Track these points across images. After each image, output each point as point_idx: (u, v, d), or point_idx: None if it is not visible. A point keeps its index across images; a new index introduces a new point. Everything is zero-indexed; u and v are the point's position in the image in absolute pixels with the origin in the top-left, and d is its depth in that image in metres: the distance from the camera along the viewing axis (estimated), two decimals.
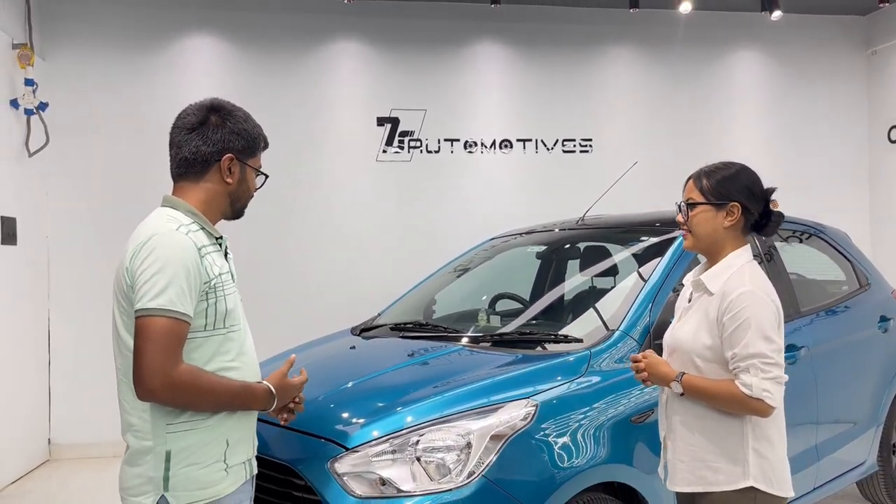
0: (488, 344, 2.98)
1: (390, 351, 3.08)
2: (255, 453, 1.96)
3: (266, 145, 2.03)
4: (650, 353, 2.18)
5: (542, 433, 2.38)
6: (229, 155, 1.89)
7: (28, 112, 5.11)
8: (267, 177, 2.04)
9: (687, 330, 2.12)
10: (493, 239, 4.20)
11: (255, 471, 1.95)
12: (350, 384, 2.69)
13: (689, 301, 2.20)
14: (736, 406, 2.00)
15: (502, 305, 3.99)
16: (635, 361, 2.19)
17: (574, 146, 6.28)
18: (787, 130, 6.64)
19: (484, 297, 4.00)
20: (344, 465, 2.28)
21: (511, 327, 3.20)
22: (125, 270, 1.76)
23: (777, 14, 6.03)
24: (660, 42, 6.43)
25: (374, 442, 2.32)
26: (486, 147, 6.17)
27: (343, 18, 5.96)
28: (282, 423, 2.04)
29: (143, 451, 1.75)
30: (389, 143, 6.02)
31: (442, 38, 6.10)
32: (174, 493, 1.73)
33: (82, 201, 5.61)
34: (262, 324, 5.47)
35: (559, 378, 2.56)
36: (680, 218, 2.18)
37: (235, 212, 2.00)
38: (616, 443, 2.51)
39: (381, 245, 5.97)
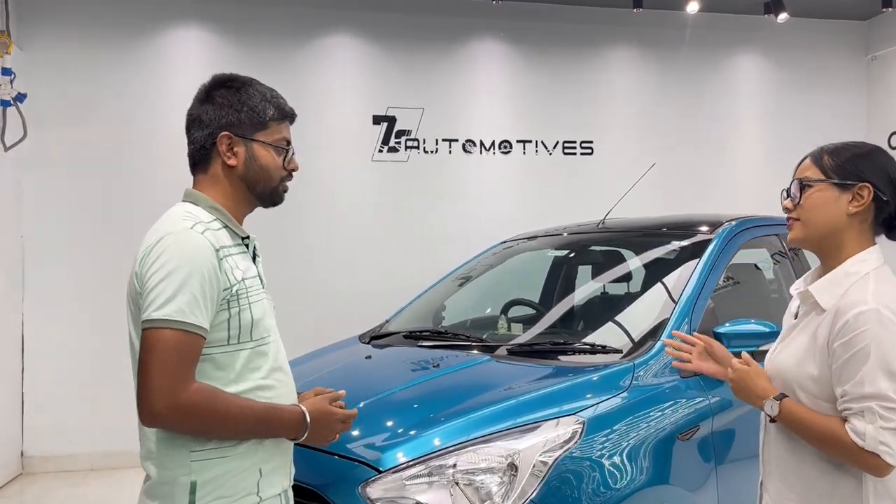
0: (519, 354, 2.77)
1: (410, 361, 2.85)
2: (292, 482, 1.72)
3: (283, 114, 1.71)
4: (748, 357, 1.78)
5: (590, 453, 2.18)
6: (224, 133, 1.63)
7: (4, 104, 4.79)
8: (289, 150, 1.73)
9: (790, 355, 1.71)
10: (503, 242, 4.00)
11: (291, 502, 1.71)
12: (375, 398, 2.46)
13: (796, 317, 1.77)
14: (843, 455, 1.58)
15: (517, 311, 3.80)
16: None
17: (575, 148, 6.12)
18: (787, 134, 6.54)
19: (494, 306, 3.80)
20: (376, 489, 2.06)
21: (540, 337, 3.00)
22: (135, 275, 1.54)
23: (783, 16, 5.94)
24: (663, 44, 6.30)
25: (408, 464, 2.10)
26: (485, 148, 5.98)
27: (337, 12, 5.72)
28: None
29: (165, 481, 1.52)
30: (385, 142, 5.80)
31: (441, 34, 5.90)
32: None
33: (61, 199, 5.30)
34: None
35: (604, 392, 2.37)
36: (787, 203, 1.74)
37: (261, 197, 1.71)
38: (665, 462, 2.32)
39: (376, 248, 5.74)
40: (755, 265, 3.55)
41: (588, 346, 2.71)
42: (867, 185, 1.66)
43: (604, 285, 3.40)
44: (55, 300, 5.27)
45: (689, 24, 6.23)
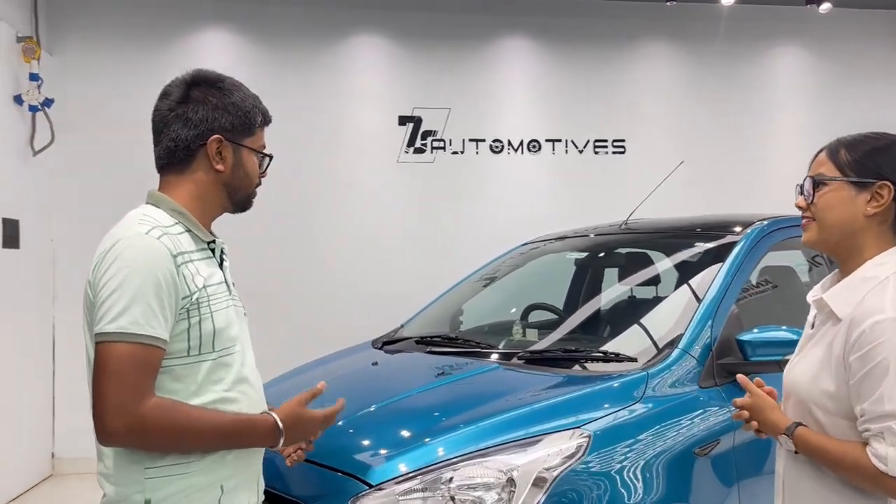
0: (529, 362, 2.65)
1: (417, 369, 2.76)
2: (261, 498, 1.64)
3: (267, 120, 1.68)
4: (748, 383, 1.67)
5: (596, 469, 2.05)
6: (216, 136, 1.56)
7: (33, 109, 4.85)
8: (271, 157, 1.69)
9: (804, 369, 1.56)
10: (525, 244, 3.87)
11: None
12: (373, 408, 2.36)
13: (813, 327, 1.63)
14: (866, 482, 1.43)
15: (536, 317, 3.67)
16: (737, 406, 1.68)
17: (606, 147, 5.94)
18: (828, 128, 6.16)
19: (513, 310, 3.67)
20: None
21: (552, 343, 2.87)
22: (88, 284, 1.46)
23: (826, 6, 5.67)
24: (697, 37, 6.08)
25: (401, 478, 2.00)
26: (513, 148, 5.84)
27: (364, 12, 5.67)
28: (288, 463, 1.68)
29: (119, 499, 1.45)
30: (411, 143, 5.72)
31: (467, 32, 5.79)
32: None
33: (90, 202, 5.34)
34: (274, 335, 5.26)
35: (614, 404, 2.23)
36: (801, 201, 1.61)
37: (237, 203, 1.66)
38: (679, 479, 2.18)
39: (402, 250, 5.66)
40: (790, 267, 3.36)
41: (601, 354, 2.56)
42: (887, 183, 1.50)
43: (624, 289, 3.25)
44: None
45: (724, 16, 6.00)
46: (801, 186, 1.62)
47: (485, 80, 5.80)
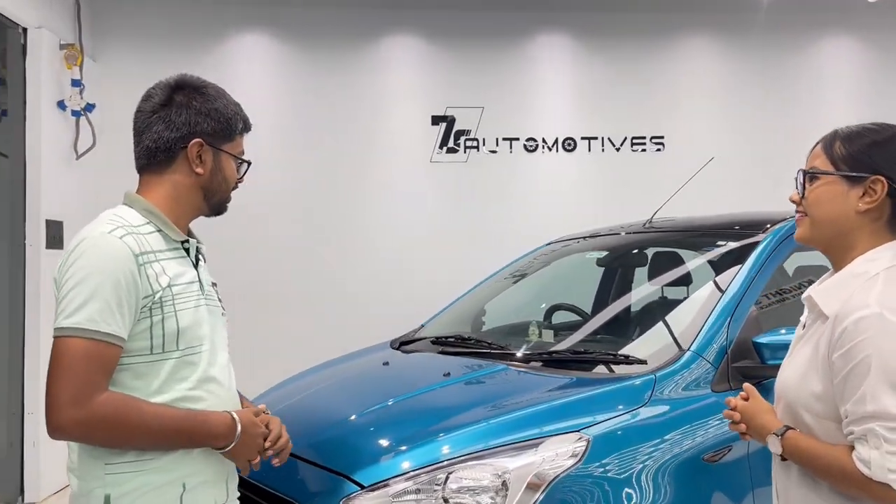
0: (538, 363, 2.60)
1: (425, 369, 2.73)
2: (232, 497, 1.65)
3: (246, 127, 1.71)
4: (750, 388, 1.59)
5: (594, 474, 1.99)
6: (197, 140, 1.59)
7: (75, 114, 5.01)
8: (249, 164, 1.72)
9: (793, 370, 1.49)
10: (549, 244, 3.81)
11: None
12: (373, 409, 2.35)
13: (804, 327, 1.56)
14: (852, 488, 1.36)
15: (559, 318, 3.61)
16: (730, 406, 1.62)
17: (644, 144, 5.81)
18: (879, 121, 5.97)
19: (533, 310, 3.62)
20: None
21: (564, 344, 2.81)
22: (54, 281, 1.49)
23: None
24: (738, 30, 5.88)
25: (395, 479, 1.98)
26: (547, 146, 5.76)
27: (396, 13, 5.67)
28: (242, 472, 1.65)
29: (82, 493, 1.47)
30: (444, 142, 5.69)
31: (501, 31, 5.74)
32: None
33: None
34: (305, 333, 5.33)
35: (618, 407, 2.17)
36: (794, 195, 1.56)
37: (213, 207, 1.68)
38: (685, 487, 2.10)
39: (435, 250, 5.63)
40: (827, 268, 3.22)
41: (610, 357, 2.49)
42: (881, 178, 1.42)
43: (643, 290, 3.17)
44: None
45: (765, 8, 5.79)
46: (796, 180, 1.55)
47: (518, 78, 5.74)
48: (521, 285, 3.63)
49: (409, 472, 1.98)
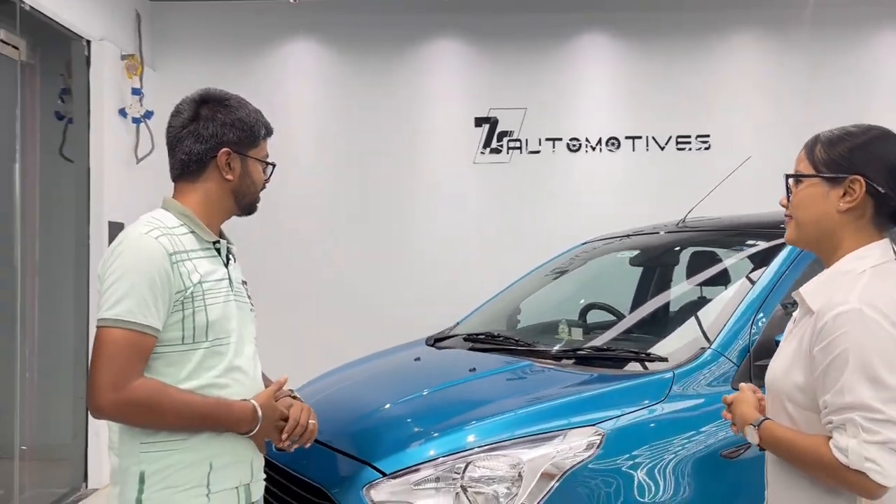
0: (562, 360, 2.66)
1: (453, 365, 2.83)
2: (257, 478, 1.77)
3: (269, 132, 1.85)
4: (746, 386, 1.66)
5: (608, 467, 2.05)
6: (225, 149, 1.73)
7: (135, 121, 5.28)
8: (274, 166, 1.86)
9: (779, 363, 1.54)
10: (584, 243, 3.86)
11: (256, 497, 1.77)
12: (399, 401, 2.47)
13: (795, 322, 1.62)
14: (829, 477, 1.40)
15: (593, 316, 3.65)
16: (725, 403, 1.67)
17: (689, 143, 5.77)
18: None
19: (575, 305, 3.67)
20: (381, 492, 2.06)
21: (589, 342, 2.86)
22: (98, 277, 1.64)
23: None
24: (785, 25, 5.77)
25: (415, 467, 2.08)
26: (590, 146, 5.78)
27: (439, 17, 5.78)
28: (279, 447, 1.80)
29: (121, 469, 1.63)
30: (487, 144, 5.77)
31: (543, 31, 5.79)
32: None
33: None
34: (352, 331, 5.49)
35: (635, 403, 2.22)
36: (783, 199, 1.61)
37: (244, 208, 1.83)
38: (701, 482, 2.13)
39: (478, 250, 5.72)
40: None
41: (631, 353, 2.54)
42: (858, 177, 1.47)
43: (674, 289, 3.19)
44: None
45: (812, 3, 5.66)
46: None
47: (561, 78, 5.78)
48: (555, 284, 3.69)
49: (429, 461, 2.08)
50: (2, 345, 4.29)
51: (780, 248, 2.72)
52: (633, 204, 5.66)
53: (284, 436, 1.74)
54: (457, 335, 3.26)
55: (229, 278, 1.76)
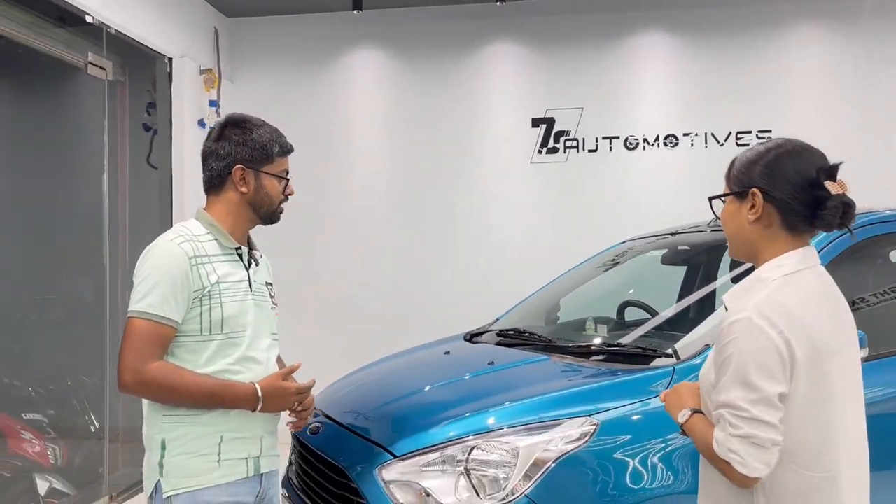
0: (578, 356, 2.80)
1: (475, 358, 3.01)
2: (267, 453, 2.01)
3: (284, 150, 2.06)
4: (683, 383, 1.75)
5: (599, 456, 2.19)
6: (239, 166, 1.97)
7: None
8: (288, 180, 2.07)
9: (707, 362, 1.66)
10: (624, 242, 3.96)
11: (266, 469, 2.00)
12: (417, 391, 2.68)
13: None
14: (711, 461, 1.55)
15: (631, 314, 3.75)
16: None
17: (750, 139, 5.70)
18: None
19: (611, 302, 3.78)
20: (391, 472, 2.28)
21: (618, 339, 2.97)
22: (134, 275, 1.93)
23: None
24: (845, 16, 5.60)
25: (423, 450, 2.29)
26: (648, 143, 5.81)
27: (496, 22, 5.93)
28: (289, 428, 2.09)
29: (148, 438, 1.91)
30: (544, 143, 5.89)
31: (598, 31, 5.85)
32: (167, 479, 1.86)
33: None
34: (411, 326, 5.72)
35: (633, 396, 2.34)
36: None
37: (264, 217, 2.05)
38: (689, 474, 2.23)
39: (536, 250, 5.84)
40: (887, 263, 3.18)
41: (639, 350, 2.66)
42: (756, 189, 1.59)
43: (698, 288, 3.25)
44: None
45: None
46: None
47: (617, 76, 5.83)
48: (596, 282, 3.81)
49: (436, 446, 2.28)
50: (94, 337, 4.76)
51: None
52: (691, 201, 5.62)
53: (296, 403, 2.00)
54: (492, 331, 3.45)
55: (249, 280, 2.00)
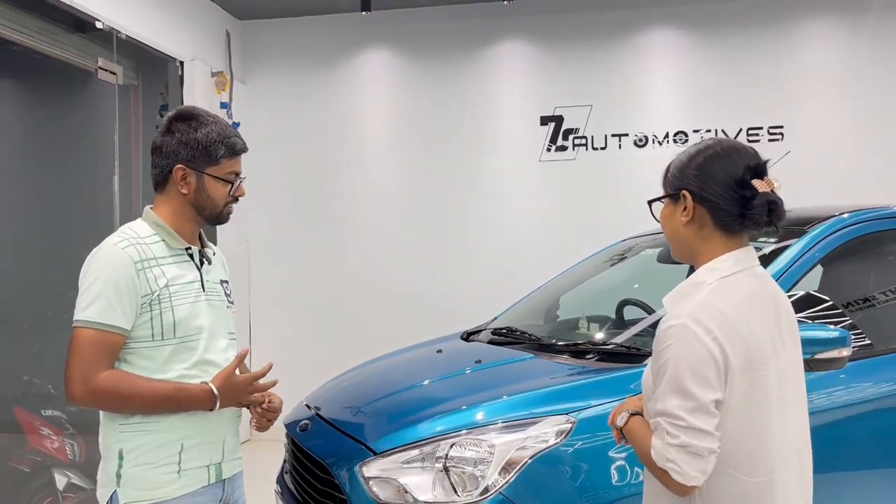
0: (566, 354, 2.81)
1: (463, 357, 3.03)
2: (229, 457, 1.94)
3: (233, 151, 1.91)
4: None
5: (575, 454, 2.20)
6: (179, 166, 1.86)
7: None
8: (233, 184, 1.93)
9: (648, 368, 1.63)
10: (624, 240, 3.95)
11: (228, 475, 1.93)
12: (401, 389, 2.71)
13: None
14: (650, 468, 1.54)
15: (630, 313, 3.73)
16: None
17: (761, 135, 5.64)
18: None
19: (608, 302, 3.77)
20: (371, 469, 2.31)
21: (613, 338, 2.96)
22: (79, 282, 1.83)
23: None
24: (857, 10, 5.51)
25: (403, 447, 2.31)
26: (657, 141, 5.77)
27: (504, 20, 5.94)
28: (255, 429, 2.00)
29: (105, 447, 1.84)
30: (553, 141, 5.89)
31: (606, 28, 5.83)
32: (125, 490, 1.78)
33: (277, 209, 6.24)
34: (423, 327, 5.72)
35: (612, 394, 2.34)
36: None
37: (208, 219, 1.94)
38: None
39: (545, 248, 5.83)
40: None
41: (623, 348, 2.66)
42: (685, 192, 1.58)
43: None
44: (275, 294, 6.23)
45: None
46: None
47: (626, 74, 5.80)
48: (594, 280, 3.81)
49: (415, 443, 2.31)
50: None
51: (783, 249, 2.74)
52: None
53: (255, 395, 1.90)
54: (487, 329, 3.46)
55: (201, 280, 1.91)
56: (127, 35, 4.77)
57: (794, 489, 1.55)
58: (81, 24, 4.57)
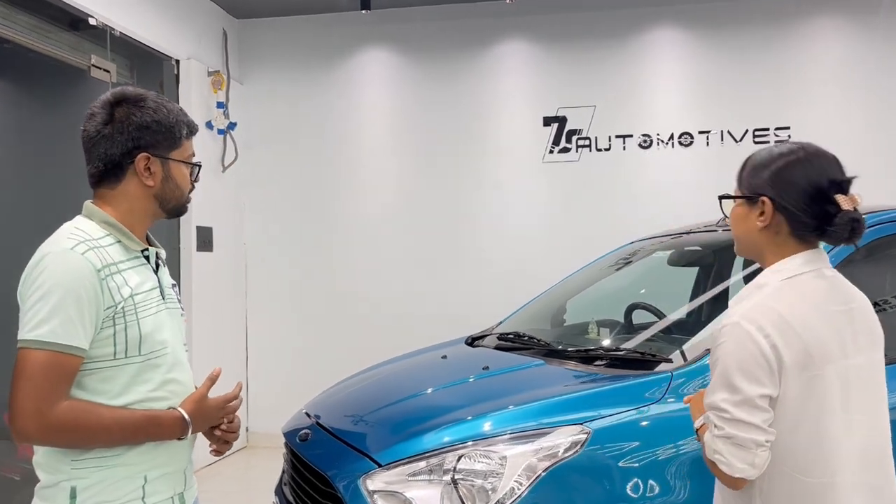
0: (575, 360, 2.70)
1: (469, 363, 2.92)
2: (190, 485, 1.74)
3: (192, 131, 1.72)
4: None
5: (592, 466, 2.10)
6: (143, 154, 1.61)
7: (220, 132, 5.69)
8: (199, 166, 1.76)
9: None
10: (631, 243, 3.85)
11: (190, 503, 1.73)
12: (406, 398, 2.60)
13: None
14: (709, 466, 1.59)
15: (639, 317, 3.63)
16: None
17: (768, 136, 5.54)
18: None
19: (617, 305, 3.67)
20: (376, 482, 2.20)
21: (623, 343, 2.87)
22: (18, 294, 1.54)
23: None
24: (869, 7, 5.42)
25: (409, 459, 2.20)
26: (662, 142, 5.67)
27: (506, 20, 5.84)
28: (213, 454, 1.81)
29: (50, 485, 1.55)
30: (556, 142, 5.79)
31: (610, 29, 5.73)
32: None
33: (274, 210, 6.13)
34: (425, 330, 5.63)
35: (627, 403, 2.24)
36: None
37: (171, 211, 1.72)
38: (685, 484, 2.13)
39: (548, 250, 5.73)
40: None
41: (637, 354, 2.55)
42: (765, 198, 1.58)
43: (703, 291, 3.13)
44: (272, 297, 6.11)
45: None
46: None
47: (630, 74, 5.70)
48: (601, 284, 3.70)
49: (422, 454, 2.20)
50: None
51: None
52: (708, 201, 5.47)
53: (224, 424, 1.74)
54: (493, 334, 3.36)
55: (160, 287, 1.69)
56: (121, 32, 4.66)
57: (858, 495, 1.51)
58: (75, 21, 4.46)
